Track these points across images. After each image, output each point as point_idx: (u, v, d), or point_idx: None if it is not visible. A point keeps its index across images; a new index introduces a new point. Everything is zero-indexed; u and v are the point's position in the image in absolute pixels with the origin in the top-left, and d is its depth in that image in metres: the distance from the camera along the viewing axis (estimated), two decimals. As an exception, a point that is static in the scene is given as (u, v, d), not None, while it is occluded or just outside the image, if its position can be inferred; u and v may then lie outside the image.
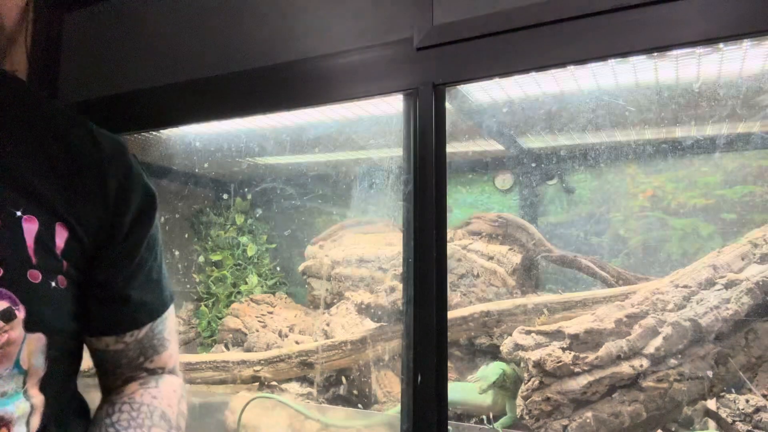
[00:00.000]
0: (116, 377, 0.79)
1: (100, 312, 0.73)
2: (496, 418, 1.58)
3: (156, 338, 0.79)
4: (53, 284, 0.65)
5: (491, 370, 1.54)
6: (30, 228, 0.64)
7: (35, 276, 0.64)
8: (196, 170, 2.32)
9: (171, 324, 0.81)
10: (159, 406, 0.76)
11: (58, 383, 0.69)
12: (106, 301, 0.73)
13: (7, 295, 0.60)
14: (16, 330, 0.61)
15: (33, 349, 0.63)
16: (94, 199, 0.70)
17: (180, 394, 0.80)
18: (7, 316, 0.60)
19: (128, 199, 0.72)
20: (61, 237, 0.66)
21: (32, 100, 0.71)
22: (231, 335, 2.12)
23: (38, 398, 0.65)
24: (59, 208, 0.67)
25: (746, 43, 1.13)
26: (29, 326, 0.62)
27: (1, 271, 0.60)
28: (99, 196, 0.70)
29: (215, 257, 2.37)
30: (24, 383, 0.64)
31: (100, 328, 0.74)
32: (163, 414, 0.75)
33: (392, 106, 1.47)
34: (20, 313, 0.61)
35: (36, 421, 0.65)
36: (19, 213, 0.63)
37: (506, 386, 1.55)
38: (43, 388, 0.66)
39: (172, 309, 0.82)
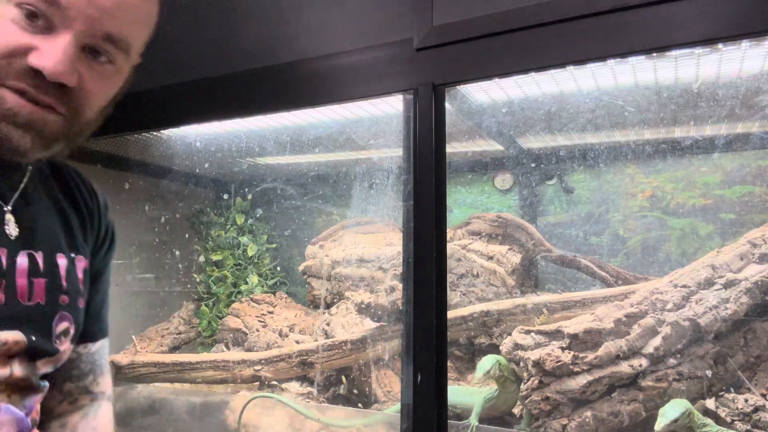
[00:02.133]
0: (62, 396, 0.88)
1: None
2: (498, 420, 1.58)
3: (103, 358, 0.93)
4: (82, 306, 0.82)
5: (485, 361, 1.52)
6: (80, 266, 0.82)
7: (82, 303, 0.82)
8: (197, 170, 2.32)
9: (107, 353, 0.96)
10: None
11: None
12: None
13: (68, 318, 0.78)
14: (68, 344, 0.79)
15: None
16: (94, 238, 0.89)
17: (112, 420, 0.93)
18: (66, 333, 0.78)
19: (108, 237, 0.93)
20: (81, 268, 0.83)
21: (61, 172, 0.87)
22: (231, 335, 2.12)
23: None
24: (85, 248, 0.85)
25: (745, 44, 1.13)
26: (72, 341, 0.80)
27: (67, 299, 0.78)
28: (96, 235, 0.89)
29: (216, 257, 2.37)
30: None
31: None
32: None
33: (392, 106, 1.48)
34: (72, 332, 0.79)
35: None
36: (73, 255, 0.81)
37: (504, 376, 1.52)
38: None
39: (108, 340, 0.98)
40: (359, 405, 1.78)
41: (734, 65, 1.29)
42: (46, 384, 0.78)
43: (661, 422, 1.28)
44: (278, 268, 2.46)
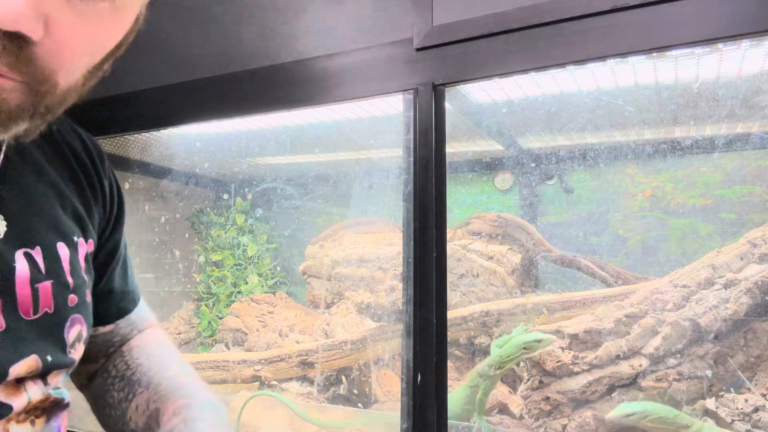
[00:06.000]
0: (108, 347, 0.78)
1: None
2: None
3: (140, 316, 0.80)
4: (89, 300, 0.65)
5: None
6: (83, 251, 0.64)
7: (89, 296, 0.65)
8: (197, 170, 2.32)
9: (145, 309, 0.83)
10: (157, 341, 0.79)
11: None
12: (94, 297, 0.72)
13: (79, 320, 0.62)
14: (81, 348, 0.64)
15: None
16: (98, 205, 0.69)
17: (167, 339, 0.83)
18: (79, 338, 0.62)
19: (116, 196, 0.73)
20: (84, 254, 0.65)
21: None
22: (231, 335, 2.12)
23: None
24: (89, 226, 0.66)
25: (745, 44, 1.13)
26: (85, 342, 0.65)
27: (76, 299, 0.61)
28: (101, 201, 0.69)
29: (216, 257, 2.37)
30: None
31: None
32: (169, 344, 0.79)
33: (392, 106, 1.48)
34: (85, 333, 0.64)
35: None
36: (75, 238, 0.63)
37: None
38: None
39: None
40: (359, 405, 1.78)
41: (734, 65, 1.29)
42: (67, 395, 0.65)
43: (613, 411, 1.30)
44: (278, 268, 2.45)
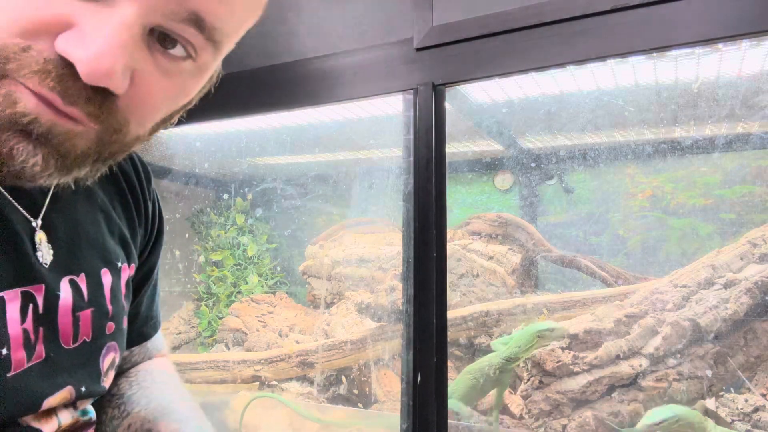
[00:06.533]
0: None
1: None
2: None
3: (155, 345, 0.79)
4: (125, 326, 0.64)
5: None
6: (125, 276, 0.63)
7: (125, 322, 0.64)
8: (197, 170, 2.32)
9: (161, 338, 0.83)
10: (164, 369, 0.78)
11: None
12: None
13: (114, 348, 0.61)
14: (113, 375, 0.63)
15: None
16: (141, 227, 0.68)
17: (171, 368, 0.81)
18: (113, 365, 0.61)
19: (157, 219, 0.71)
20: (125, 279, 0.64)
21: None
22: (231, 335, 2.12)
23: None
24: (132, 250, 0.65)
25: (745, 44, 1.13)
26: (117, 368, 0.64)
27: (114, 326, 0.60)
28: (144, 223, 0.68)
29: (216, 257, 2.38)
30: None
31: None
32: (170, 372, 0.78)
33: (392, 106, 1.48)
34: (117, 360, 0.62)
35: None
36: (119, 264, 0.62)
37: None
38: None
39: None
40: (359, 405, 1.78)
41: (734, 65, 1.29)
42: (93, 413, 0.63)
43: (643, 420, 1.28)
44: (278, 268, 2.46)
